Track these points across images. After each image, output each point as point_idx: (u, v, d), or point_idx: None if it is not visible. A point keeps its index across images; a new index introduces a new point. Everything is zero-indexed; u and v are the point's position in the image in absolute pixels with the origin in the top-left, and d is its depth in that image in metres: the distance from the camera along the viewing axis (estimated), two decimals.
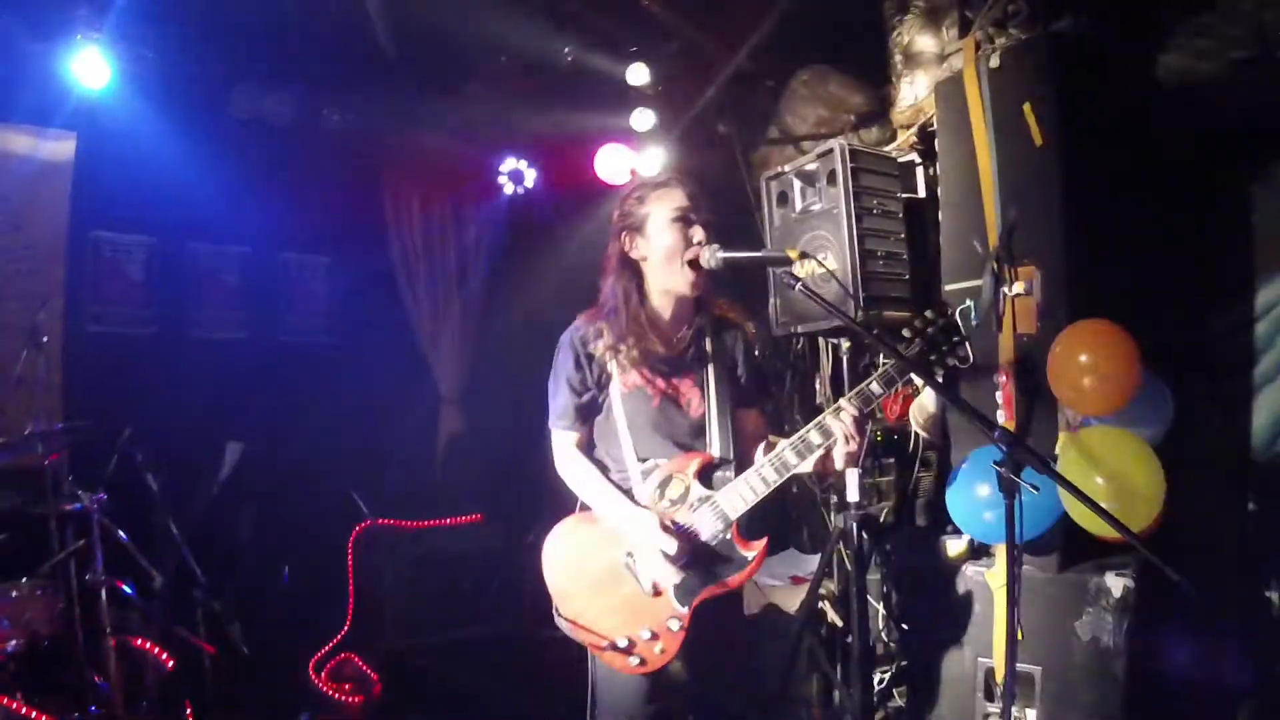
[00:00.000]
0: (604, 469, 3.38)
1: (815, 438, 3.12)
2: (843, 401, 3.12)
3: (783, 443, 3.18)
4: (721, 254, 3.22)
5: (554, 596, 3.28)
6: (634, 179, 3.53)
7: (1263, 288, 4.83)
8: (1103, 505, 3.43)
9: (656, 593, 3.19)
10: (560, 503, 3.50)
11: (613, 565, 3.24)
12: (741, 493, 3.19)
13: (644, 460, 3.30)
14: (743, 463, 3.31)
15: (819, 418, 3.13)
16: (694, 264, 3.25)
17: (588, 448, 3.44)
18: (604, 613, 3.21)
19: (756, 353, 3.55)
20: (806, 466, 3.18)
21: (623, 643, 3.17)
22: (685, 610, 3.17)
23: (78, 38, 5.18)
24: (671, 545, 3.12)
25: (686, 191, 3.35)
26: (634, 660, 3.18)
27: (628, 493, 3.30)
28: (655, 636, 3.17)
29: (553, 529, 3.34)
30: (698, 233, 3.28)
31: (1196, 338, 4.89)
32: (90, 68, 5.24)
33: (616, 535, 3.25)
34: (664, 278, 3.32)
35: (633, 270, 3.36)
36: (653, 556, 3.15)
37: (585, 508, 3.38)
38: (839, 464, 3.16)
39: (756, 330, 3.59)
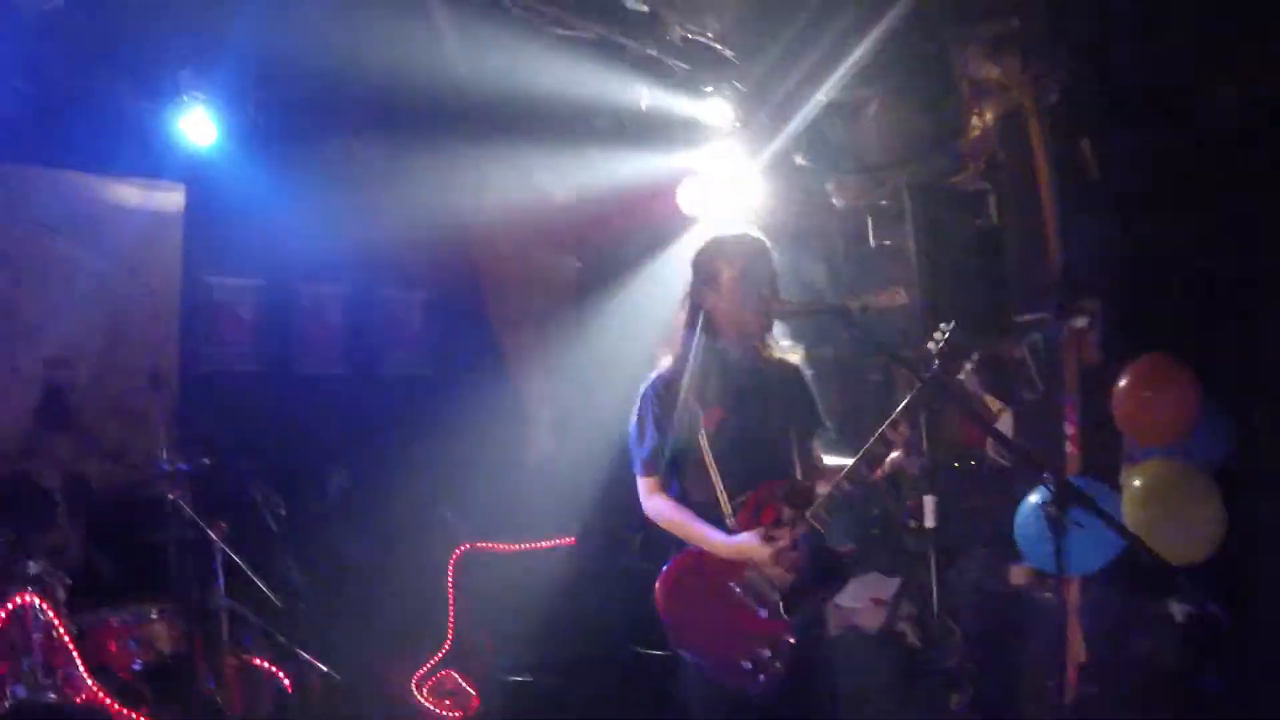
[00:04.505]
0: (697, 505, 3.55)
1: (879, 449, 3.36)
2: (896, 413, 3.36)
3: (855, 458, 3.40)
4: (785, 306, 3.51)
5: (674, 632, 3.50)
6: (707, 235, 3.77)
7: None
8: (1158, 536, 3.61)
9: (771, 612, 3.39)
10: (654, 529, 3.70)
11: (726, 594, 3.41)
12: (828, 508, 3.41)
13: (735, 492, 3.49)
14: (815, 483, 3.55)
15: (879, 430, 3.35)
16: (762, 314, 3.51)
17: (674, 489, 3.62)
18: (725, 640, 3.41)
19: (808, 387, 3.77)
20: (877, 474, 3.45)
21: (748, 665, 3.37)
22: (796, 623, 3.39)
23: (184, 97, 5.42)
24: (782, 561, 3.36)
25: (754, 247, 3.60)
26: (761, 678, 3.37)
27: (722, 525, 3.48)
28: (774, 654, 3.37)
29: (663, 573, 3.54)
30: (765, 285, 3.52)
31: (1265, 358, 4.94)
32: (197, 125, 5.49)
33: (723, 565, 3.43)
34: (734, 325, 3.57)
35: (706, 318, 3.59)
36: (767, 579, 3.38)
37: (681, 545, 3.57)
38: (903, 464, 3.52)
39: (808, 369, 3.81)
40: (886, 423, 3.35)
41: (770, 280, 3.56)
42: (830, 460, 3.66)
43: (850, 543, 3.64)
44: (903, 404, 3.38)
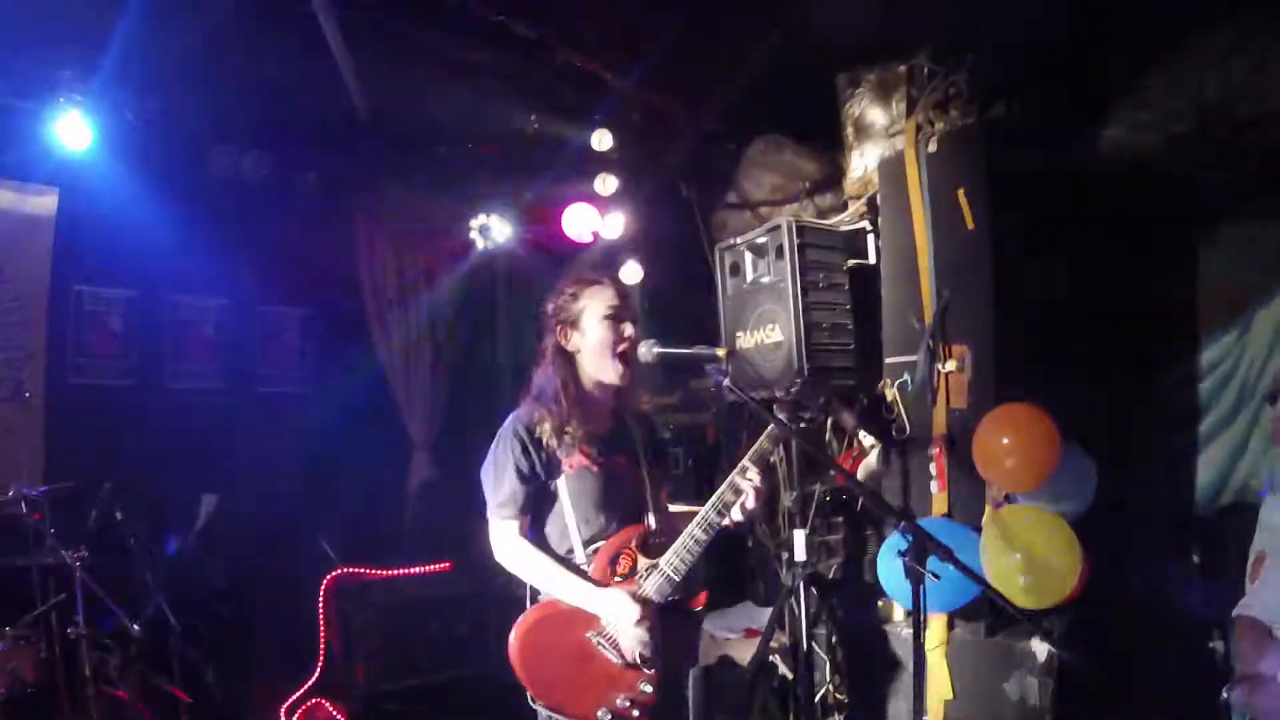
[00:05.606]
0: (551, 552, 3.50)
1: (729, 496, 3.41)
2: (745, 461, 3.42)
3: (706, 505, 3.44)
4: (656, 349, 3.46)
5: (530, 687, 3.39)
6: (567, 276, 3.74)
7: (1207, 347, 5.08)
8: (1017, 579, 3.73)
9: (631, 663, 3.38)
10: None
11: (582, 645, 3.39)
12: (681, 555, 3.43)
13: (589, 539, 3.48)
14: (666, 530, 3.56)
15: (729, 478, 3.42)
16: (626, 357, 3.50)
17: (530, 534, 3.54)
18: (582, 692, 3.36)
19: (659, 436, 3.85)
20: (728, 521, 3.46)
21: (607, 717, 3.34)
22: (655, 671, 3.39)
23: (61, 100, 5.28)
24: (644, 617, 3.35)
25: (617, 289, 3.60)
26: None
27: (576, 571, 3.46)
28: (633, 702, 3.37)
29: (517, 627, 3.42)
30: (628, 328, 3.52)
31: (1140, 399, 5.14)
32: (72, 129, 5.34)
33: (579, 616, 3.40)
34: (597, 369, 3.53)
35: (567, 361, 3.55)
36: (629, 630, 3.35)
37: (535, 594, 3.53)
38: (739, 516, 3.46)
39: (655, 419, 3.91)
40: (735, 470, 3.42)
41: (633, 324, 3.56)
42: (677, 508, 3.70)
43: (705, 586, 3.66)
44: (751, 450, 3.43)
